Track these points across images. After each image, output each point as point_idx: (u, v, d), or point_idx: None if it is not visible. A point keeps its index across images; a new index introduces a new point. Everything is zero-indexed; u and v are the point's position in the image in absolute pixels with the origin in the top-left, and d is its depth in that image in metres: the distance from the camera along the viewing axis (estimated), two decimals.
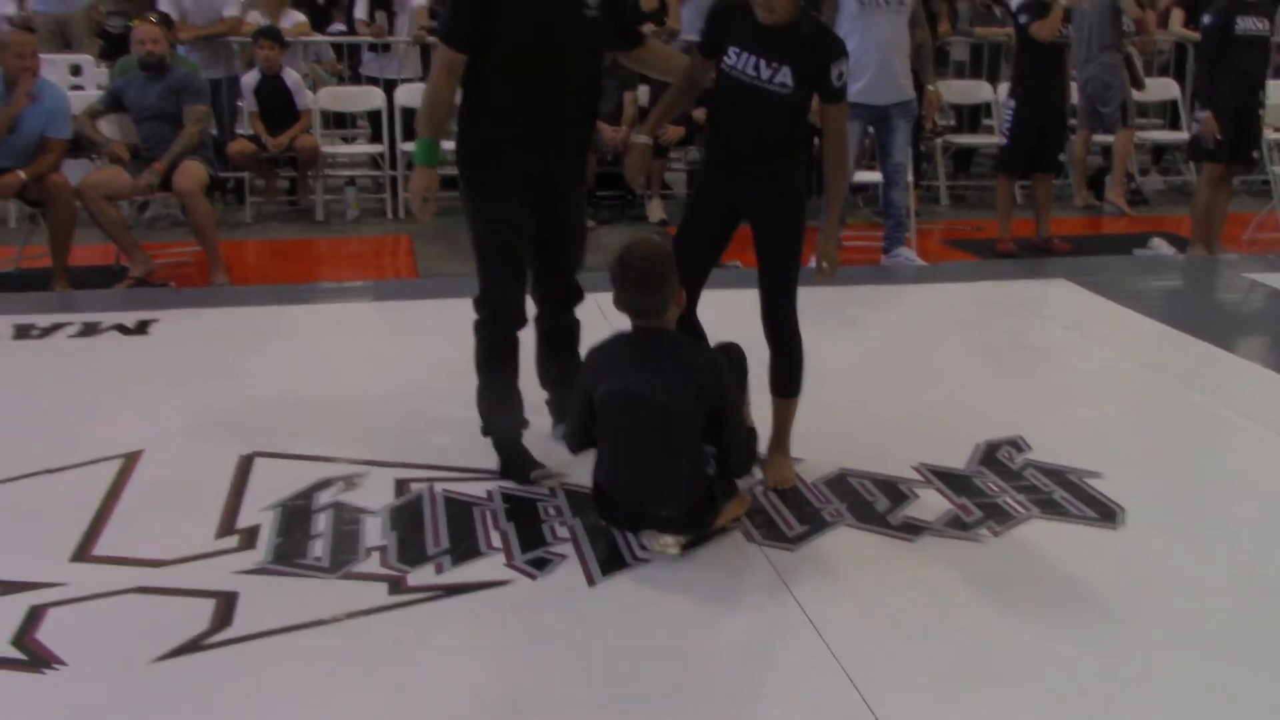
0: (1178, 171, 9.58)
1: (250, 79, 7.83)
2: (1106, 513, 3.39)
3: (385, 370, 4.52)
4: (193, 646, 2.68)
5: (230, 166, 7.62)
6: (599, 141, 7.15)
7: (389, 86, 8.25)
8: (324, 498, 3.42)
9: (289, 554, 3.11)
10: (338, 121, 9.15)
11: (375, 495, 3.44)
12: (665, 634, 2.77)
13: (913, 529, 3.27)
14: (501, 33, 3.23)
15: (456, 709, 2.50)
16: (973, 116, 9.45)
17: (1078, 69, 7.94)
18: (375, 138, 8.49)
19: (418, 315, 5.43)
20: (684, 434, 3.06)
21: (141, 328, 5.10)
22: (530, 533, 3.22)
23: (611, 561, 3.07)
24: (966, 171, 9.54)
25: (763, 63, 3.27)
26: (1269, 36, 6.87)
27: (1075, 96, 7.93)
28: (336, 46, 9.09)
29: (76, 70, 8.09)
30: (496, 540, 3.17)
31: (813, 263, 3.54)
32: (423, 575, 3.00)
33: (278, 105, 7.77)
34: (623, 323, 3.18)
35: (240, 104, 8.07)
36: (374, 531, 3.22)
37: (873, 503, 3.43)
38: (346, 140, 9.35)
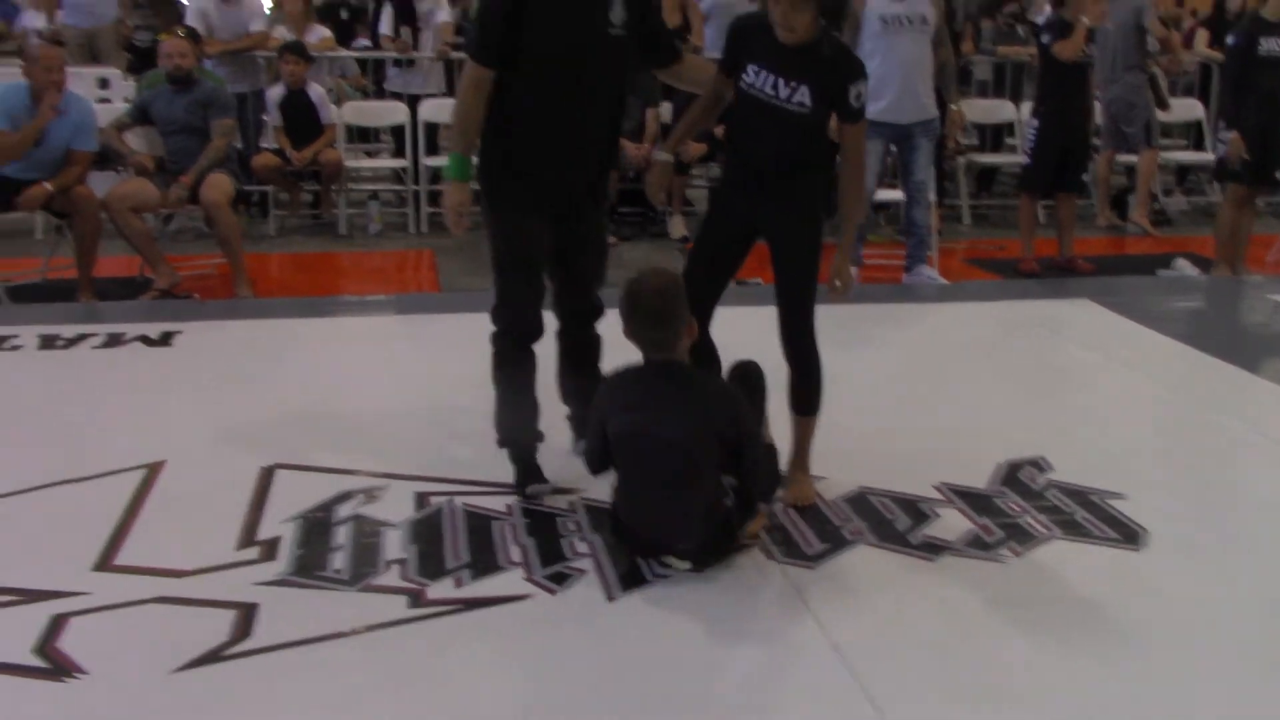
0: (1202, 192, 9.54)
1: (275, 93, 7.89)
2: (1129, 534, 3.37)
3: (406, 384, 4.53)
4: (213, 657, 2.69)
5: (254, 180, 7.67)
6: (622, 158, 7.17)
7: (413, 101, 8.29)
8: (344, 510, 3.43)
9: (309, 566, 3.12)
10: (361, 136, 9.22)
11: (395, 508, 3.44)
12: (683, 650, 2.77)
13: (933, 548, 3.26)
14: (527, 49, 3.25)
15: None
16: (995, 136, 9.45)
17: (1102, 89, 7.92)
18: (399, 152, 8.53)
19: (439, 329, 5.44)
20: (699, 470, 3.02)
21: (165, 339, 5.13)
22: (550, 548, 3.22)
23: (631, 577, 3.06)
24: (989, 191, 9.53)
25: (781, 82, 3.25)
26: None
27: (1099, 116, 7.91)
28: (361, 62, 9.17)
29: (104, 83, 8.17)
30: (516, 555, 3.17)
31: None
32: (442, 589, 3.00)
33: (302, 119, 7.82)
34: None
35: (265, 118, 8.14)
36: (394, 544, 3.23)
37: (893, 521, 3.41)
38: (370, 155, 9.42)
